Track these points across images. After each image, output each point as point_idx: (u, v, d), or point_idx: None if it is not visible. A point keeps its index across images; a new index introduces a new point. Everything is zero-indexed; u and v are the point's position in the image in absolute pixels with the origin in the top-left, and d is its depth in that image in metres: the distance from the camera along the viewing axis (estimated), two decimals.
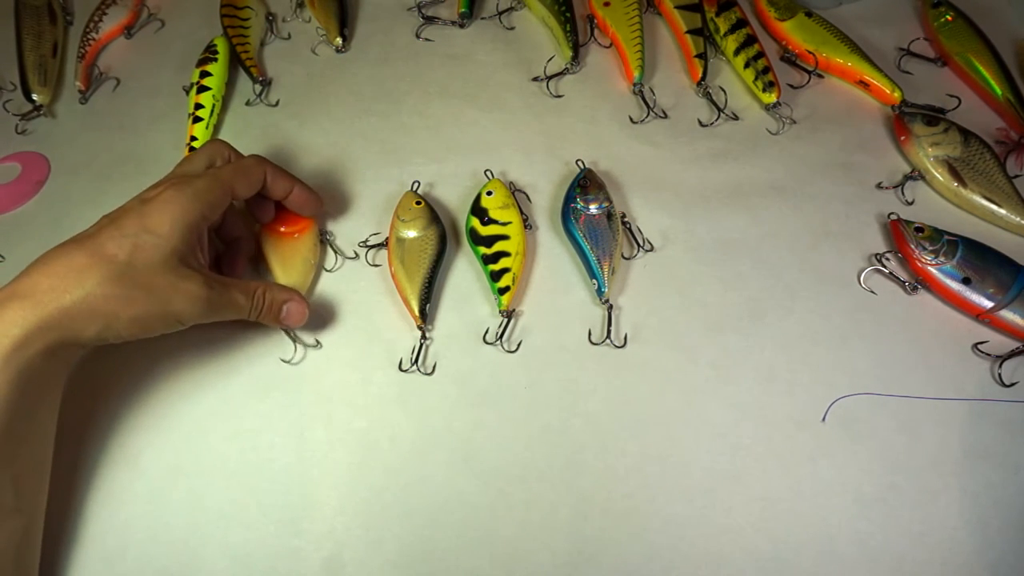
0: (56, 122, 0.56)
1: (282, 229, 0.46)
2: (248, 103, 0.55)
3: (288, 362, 0.43)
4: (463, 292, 0.45)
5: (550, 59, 0.56)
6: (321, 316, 0.44)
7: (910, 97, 0.51)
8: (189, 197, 0.37)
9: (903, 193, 0.47)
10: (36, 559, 0.35)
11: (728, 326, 0.43)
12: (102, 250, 0.34)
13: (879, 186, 0.48)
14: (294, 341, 0.43)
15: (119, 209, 0.37)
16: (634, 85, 0.53)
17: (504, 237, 0.44)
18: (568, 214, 0.45)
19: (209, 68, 0.55)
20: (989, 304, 0.41)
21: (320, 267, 0.46)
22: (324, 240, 0.47)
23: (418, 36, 0.59)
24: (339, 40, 0.58)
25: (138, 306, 0.34)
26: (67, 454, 0.38)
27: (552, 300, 0.45)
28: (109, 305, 0.33)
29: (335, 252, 0.47)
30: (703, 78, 0.53)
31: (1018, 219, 0.45)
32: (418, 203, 0.46)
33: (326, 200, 0.47)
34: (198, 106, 0.53)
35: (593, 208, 0.45)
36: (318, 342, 0.43)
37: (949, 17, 0.54)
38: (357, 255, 0.47)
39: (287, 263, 0.45)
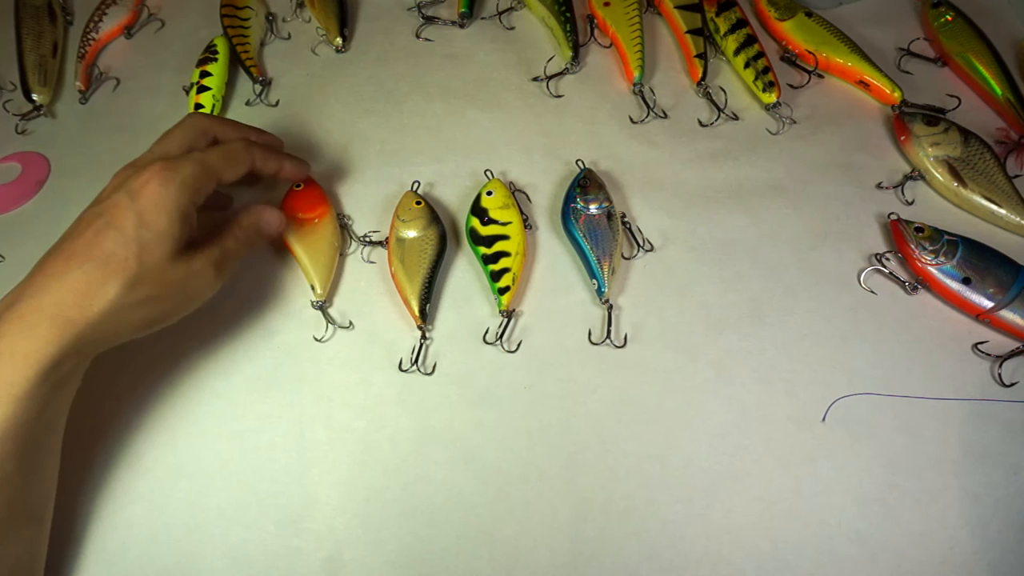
0: (56, 122, 0.56)
1: (300, 215, 0.46)
2: (248, 103, 0.55)
3: (319, 340, 0.43)
4: (463, 292, 0.45)
5: (550, 59, 0.56)
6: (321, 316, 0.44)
7: (910, 97, 0.51)
8: (178, 186, 0.36)
9: (903, 193, 0.47)
10: (43, 562, 0.36)
11: (728, 326, 0.43)
12: (112, 257, 0.34)
13: (879, 186, 0.48)
14: (327, 321, 0.44)
15: (108, 204, 0.35)
16: (634, 85, 0.53)
17: (504, 237, 0.44)
18: (568, 214, 0.45)
19: (209, 68, 0.54)
20: (989, 304, 0.41)
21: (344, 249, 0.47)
22: (343, 224, 0.47)
23: (418, 36, 0.59)
24: (339, 40, 0.58)
25: (162, 303, 0.36)
26: (68, 455, 0.38)
27: (552, 300, 0.45)
28: (134, 312, 0.34)
29: (351, 237, 0.47)
30: (703, 78, 0.53)
31: (1018, 219, 0.45)
32: (418, 203, 0.46)
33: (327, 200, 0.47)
34: (198, 106, 0.53)
35: (593, 208, 0.45)
36: (351, 323, 0.44)
37: (949, 17, 0.54)
38: (368, 250, 0.47)
39: (313, 248, 0.45)
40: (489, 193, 0.46)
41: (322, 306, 0.44)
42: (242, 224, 0.41)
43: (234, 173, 0.40)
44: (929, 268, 0.42)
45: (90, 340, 0.33)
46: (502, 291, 0.43)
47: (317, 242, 0.45)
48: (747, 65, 0.53)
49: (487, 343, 0.43)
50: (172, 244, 0.35)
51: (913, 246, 0.43)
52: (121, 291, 0.33)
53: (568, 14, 0.56)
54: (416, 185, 0.49)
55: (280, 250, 0.47)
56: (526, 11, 0.60)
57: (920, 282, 0.43)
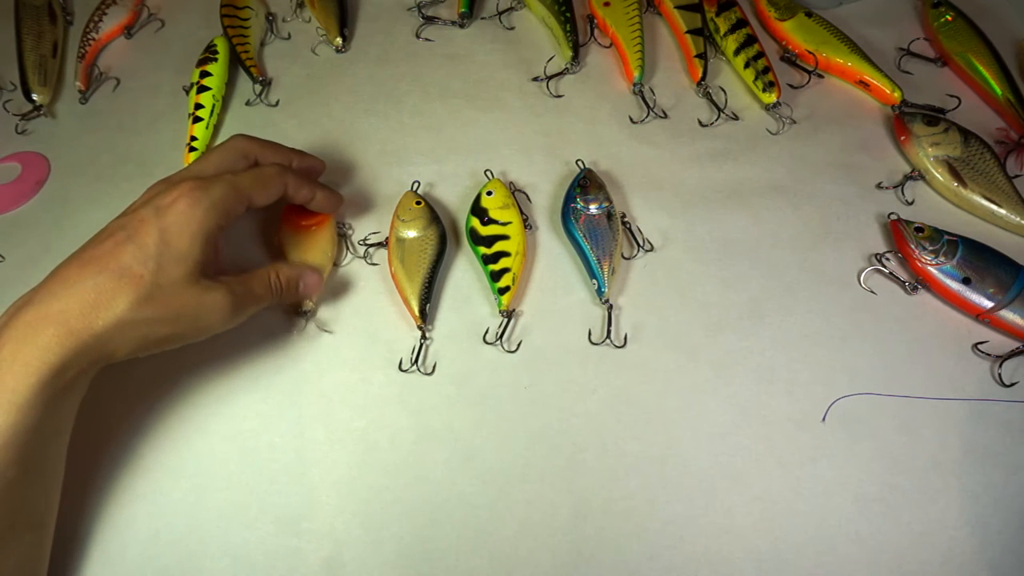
0: (56, 122, 0.56)
1: (301, 222, 0.45)
2: (248, 103, 0.55)
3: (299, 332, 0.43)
4: (463, 292, 0.45)
5: (550, 59, 0.56)
6: (322, 316, 0.44)
7: (910, 97, 0.51)
8: (206, 208, 0.36)
9: (903, 193, 0.47)
10: (46, 567, 0.36)
11: (728, 326, 0.43)
12: (128, 272, 0.33)
13: (879, 186, 0.48)
14: (305, 319, 0.44)
15: (133, 218, 0.35)
16: (634, 85, 0.53)
17: (504, 237, 0.44)
18: (568, 214, 0.45)
19: (209, 68, 0.54)
20: (989, 304, 0.41)
21: (338, 260, 0.47)
22: (342, 233, 0.47)
23: (418, 36, 0.59)
24: (339, 40, 0.58)
25: (168, 326, 0.35)
26: (68, 456, 0.38)
27: (552, 300, 0.45)
28: (140, 329, 0.34)
29: (348, 247, 0.47)
30: (703, 78, 0.53)
31: (1018, 219, 0.45)
32: (418, 203, 0.46)
33: None
34: (198, 106, 0.53)
35: (593, 208, 0.45)
36: (332, 331, 0.44)
37: (949, 17, 0.54)
38: (368, 253, 0.47)
39: (306, 256, 0.45)
40: (489, 193, 0.46)
41: (306, 313, 0.44)
42: (280, 275, 0.40)
43: (265, 198, 0.40)
44: (929, 268, 0.42)
45: (93, 351, 0.33)
46: (502, 291, 0.43)
47: (311, 251, 0.45)
48: (747, 65, 0.53)
49: (487, 343, 0.43)
50: (191, 266, 0.35)
51: (913, 246, 0.43)
52: (130, 307, 0.33)
53: (568, 14, 0.56)
54: (416, 185, 0.49)
55: (275, 254, 0.47)
56: (526, 11, 0.60)
57: (920, 282, 0.43)
